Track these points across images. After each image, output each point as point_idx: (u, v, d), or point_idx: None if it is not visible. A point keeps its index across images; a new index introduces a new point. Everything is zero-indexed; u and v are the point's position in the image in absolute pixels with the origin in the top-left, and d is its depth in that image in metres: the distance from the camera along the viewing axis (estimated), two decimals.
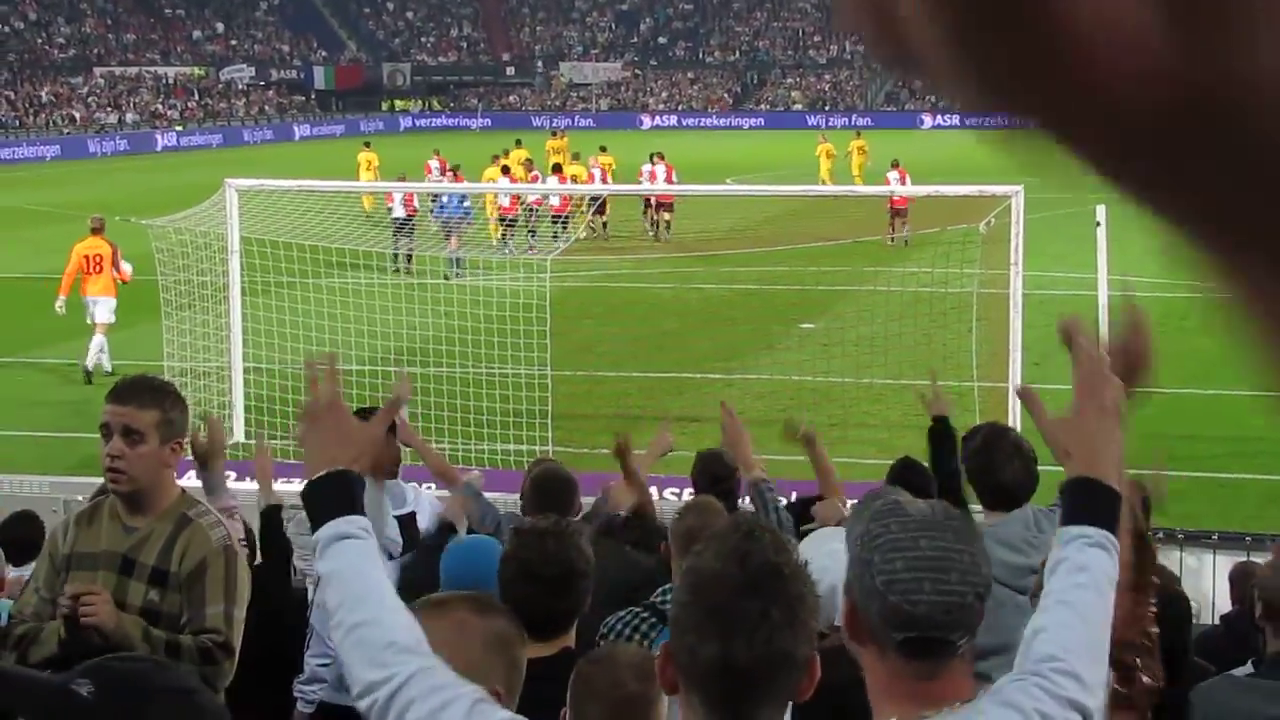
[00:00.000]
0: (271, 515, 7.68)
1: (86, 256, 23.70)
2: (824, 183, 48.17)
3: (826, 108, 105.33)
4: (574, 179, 39.88)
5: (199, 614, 5.43)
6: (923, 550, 2.96)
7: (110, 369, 22.61)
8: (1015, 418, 16.69)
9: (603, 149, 45.31)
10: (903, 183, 39.30)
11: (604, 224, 38.16)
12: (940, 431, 7.97)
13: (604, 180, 40.95)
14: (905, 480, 7.54)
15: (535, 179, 40.18)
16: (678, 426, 19.02)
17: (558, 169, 42.50)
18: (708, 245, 33.71)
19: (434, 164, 44.65)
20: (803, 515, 8.14)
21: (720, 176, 49.59)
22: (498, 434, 18.00)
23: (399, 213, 32.34)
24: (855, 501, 5.43)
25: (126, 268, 23.77)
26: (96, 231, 24.01)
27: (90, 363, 23.05)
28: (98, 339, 23.27)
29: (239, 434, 18.88)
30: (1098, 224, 14.91)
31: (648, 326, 26.08)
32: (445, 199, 31.84)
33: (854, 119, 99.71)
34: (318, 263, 23.09)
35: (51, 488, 13.94)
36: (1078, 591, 3.22)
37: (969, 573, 2.98)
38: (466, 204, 31.93)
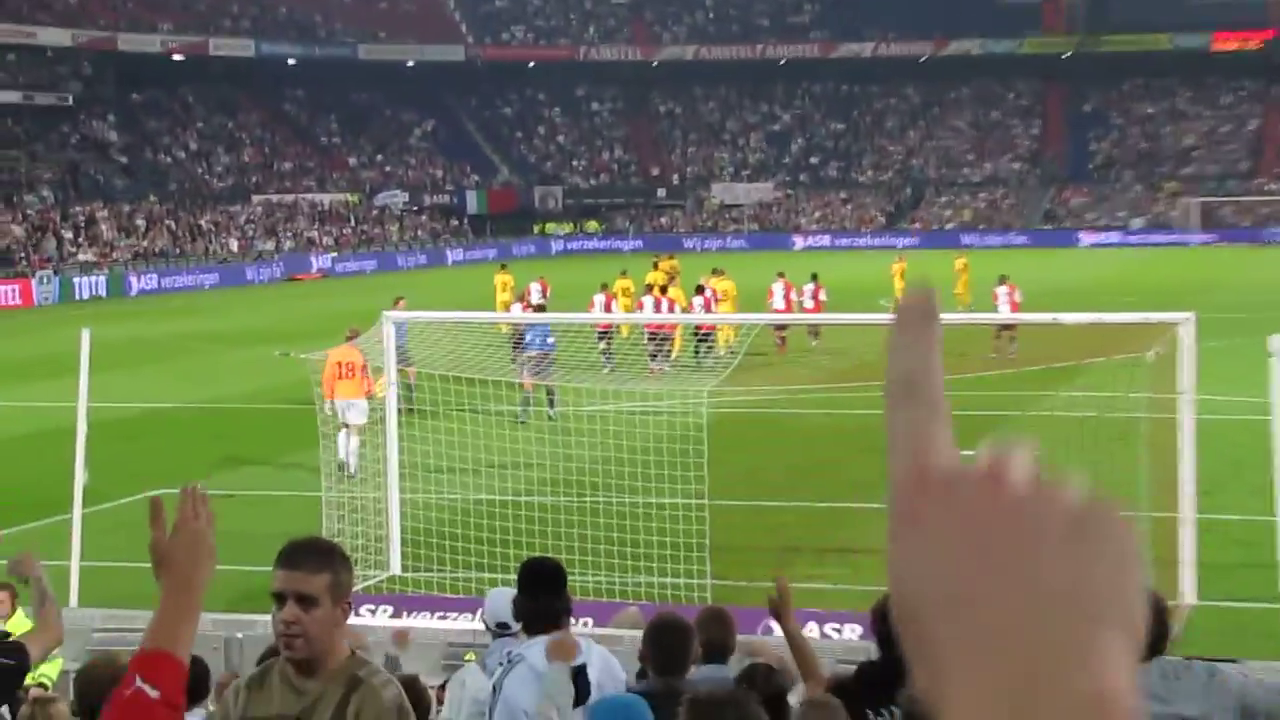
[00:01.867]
0: None
1: (339, 363, 24.60)
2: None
3: (981, 226, 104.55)
4: (672, 302, 38.00)
5: None
6: None
7: (355, 473, 23.26)
8: (1188, 548, 16.19)
9: (715, 271, 44.14)
10: (1012, 297, 38.88)
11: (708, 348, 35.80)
12: None
13: (712, 302, 39.78)
14: None
15: (640, 306, 38.70)
16: (838, 558, 18.70)
17: (650, 289, 39.20)
18: (859, 371, 33.25)
19: (535, 286, 43.50)
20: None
21: (873, 297, 49.30)
22: (654, 566, 17.76)
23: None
24: None
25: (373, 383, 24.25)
26: (351, 339, 24.65)
27: (348, 459, 23.90)
28: (354, 440, 24.06)
29: (395, 567, 18.85)
30: (1271, 354, 14.42)
31: (804, 455, 25.72)
32: (529, 333, 28.94)
33: (1010, 237, 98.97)
34: (473, 394, 23.15)
35: (213, 625, 13.82)
36: None
37: None
38: (550, 340, 28.90)
